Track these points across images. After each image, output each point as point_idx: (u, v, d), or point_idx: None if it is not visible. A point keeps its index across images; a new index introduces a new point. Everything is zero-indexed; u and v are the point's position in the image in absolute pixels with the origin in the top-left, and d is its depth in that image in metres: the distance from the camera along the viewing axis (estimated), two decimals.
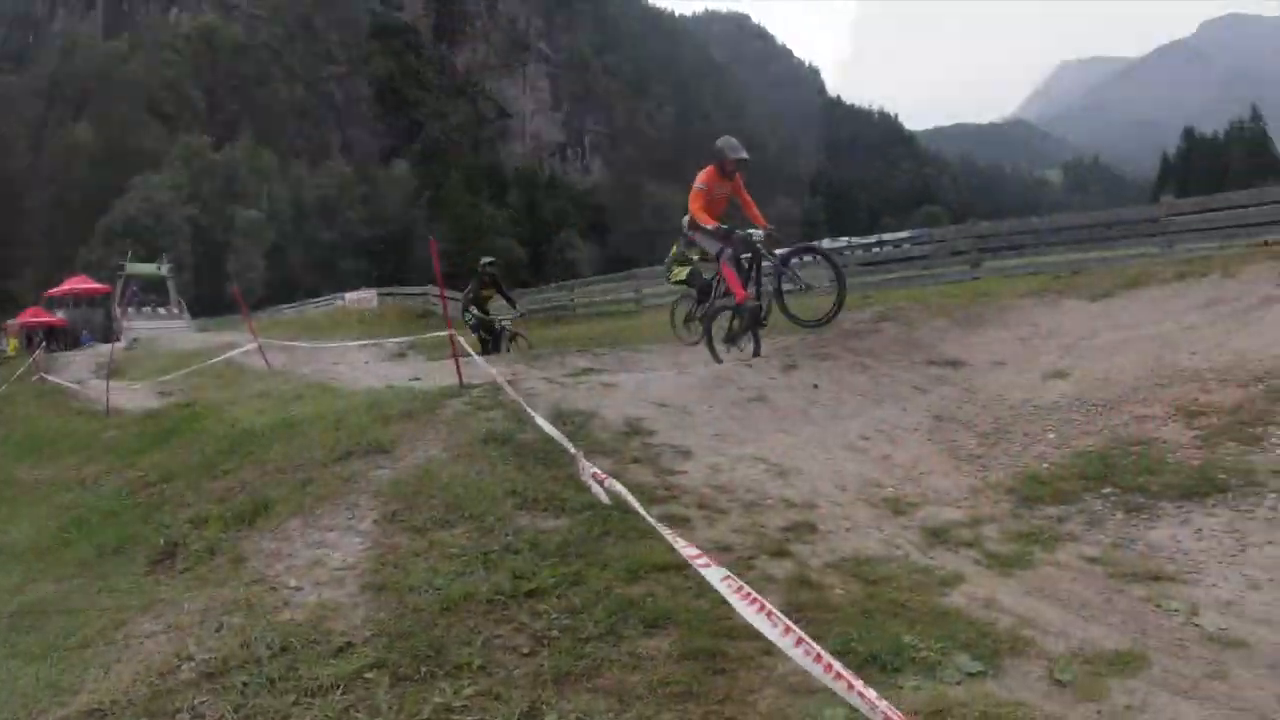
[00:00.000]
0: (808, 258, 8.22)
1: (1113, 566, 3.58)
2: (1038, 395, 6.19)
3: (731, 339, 8.12)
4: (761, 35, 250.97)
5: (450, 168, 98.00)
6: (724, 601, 1.96)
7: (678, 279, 10.78)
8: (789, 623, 1.62)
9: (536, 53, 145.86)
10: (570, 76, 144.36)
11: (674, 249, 10.82)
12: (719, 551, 3.65)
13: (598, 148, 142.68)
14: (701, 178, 8.11)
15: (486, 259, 13.95)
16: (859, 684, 1.49)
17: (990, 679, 2.66)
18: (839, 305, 7.61)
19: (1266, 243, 9.62)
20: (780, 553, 3.65)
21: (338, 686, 2.66)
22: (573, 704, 2.57)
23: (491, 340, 13.30)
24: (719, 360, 7.94)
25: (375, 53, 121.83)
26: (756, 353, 7.76)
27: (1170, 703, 2.52)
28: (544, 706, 2.57)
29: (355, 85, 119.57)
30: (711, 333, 8.16)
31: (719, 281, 8.44)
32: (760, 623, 1.64)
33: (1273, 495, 4.11)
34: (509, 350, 13.15)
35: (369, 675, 2.73)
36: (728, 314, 8.11)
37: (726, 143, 8.05)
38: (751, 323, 7.82)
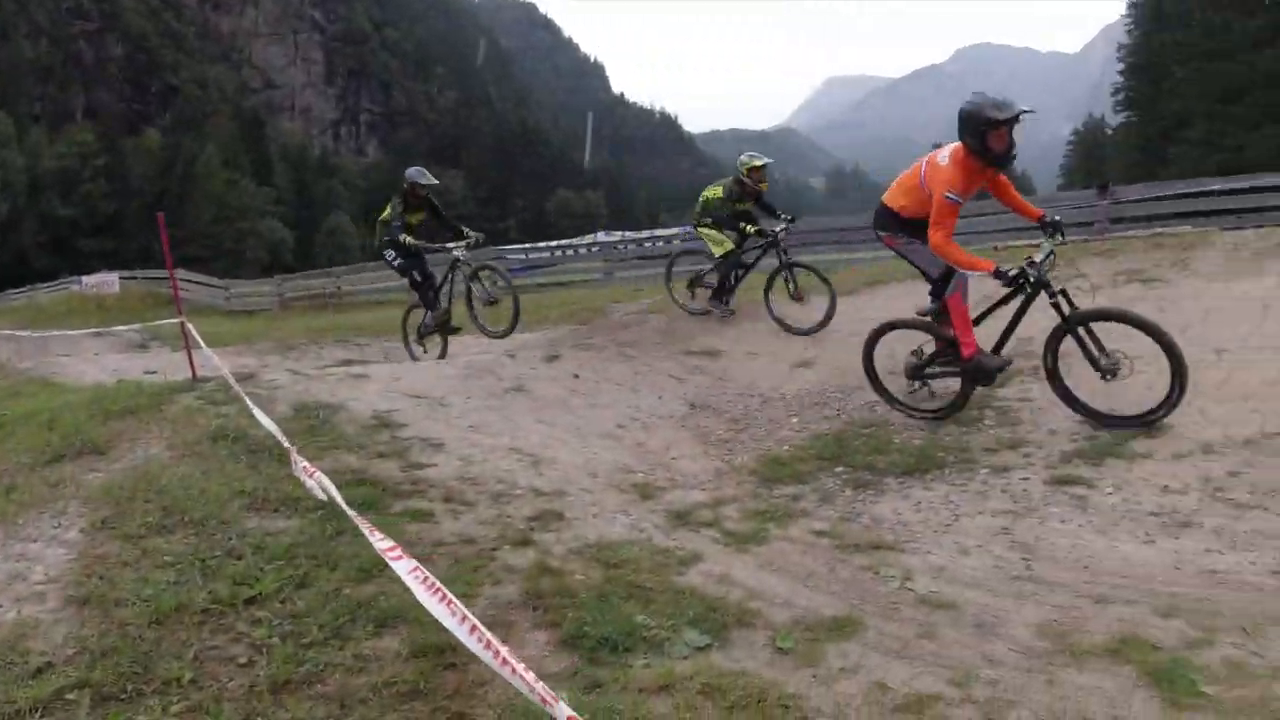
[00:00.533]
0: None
1: (839, 539, 3.86)
2: (785, 384, 6.61)
3: (919, 375, 5.74)
4: (548, 26, 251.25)
5: (208, 140, 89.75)
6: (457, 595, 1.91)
7: (715, 247, 8.54)
8: (466, 611, 1.68)
9: (310, 21, 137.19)
10: (346, 50, 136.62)
11: (709, 192, 8.56)
12: (462, 544, 3.58)
13: (374, 128, 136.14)
14: (949, 174, 4.99)
15: (423, 176, 8.44)
16: (520, 667, 1.55)
17: (716, 651, 2.77)
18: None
19: (996, 248, 10.74)
20: (524, 542, 3.64)
21: (36, 710, 2.47)
22: (291, 712, 2.46)
23: (431, 288, 8.65)
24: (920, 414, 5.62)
25: (129, 9, 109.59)
26: (949, 413, 5.49)
27: (882, 662, 2.70)
28: (259, 718, 2.45)
29: (105, 44, 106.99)
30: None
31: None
32: (441, 613, 1.67)
33: (985, 470, 4.62)
34: (470, 294, 8.33)
35: (70, 696, 2.54)
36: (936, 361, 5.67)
37: (986, 100, 4.86)
38: (983, 382, 5.45)
